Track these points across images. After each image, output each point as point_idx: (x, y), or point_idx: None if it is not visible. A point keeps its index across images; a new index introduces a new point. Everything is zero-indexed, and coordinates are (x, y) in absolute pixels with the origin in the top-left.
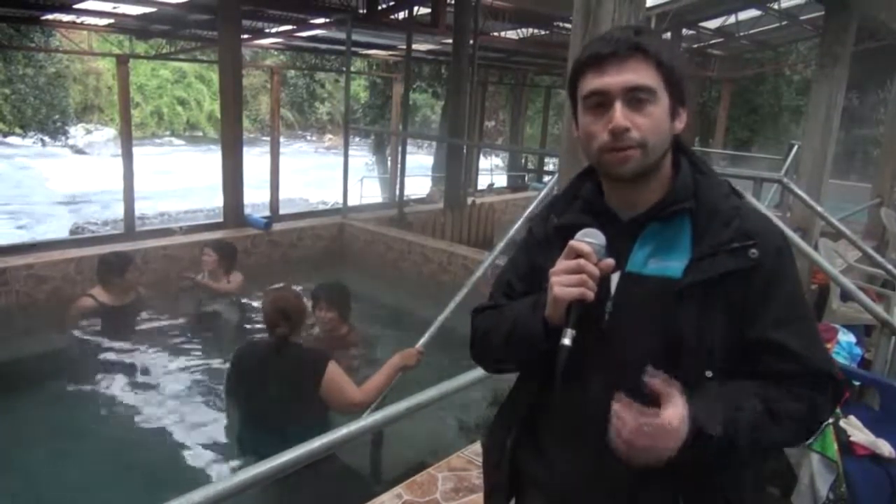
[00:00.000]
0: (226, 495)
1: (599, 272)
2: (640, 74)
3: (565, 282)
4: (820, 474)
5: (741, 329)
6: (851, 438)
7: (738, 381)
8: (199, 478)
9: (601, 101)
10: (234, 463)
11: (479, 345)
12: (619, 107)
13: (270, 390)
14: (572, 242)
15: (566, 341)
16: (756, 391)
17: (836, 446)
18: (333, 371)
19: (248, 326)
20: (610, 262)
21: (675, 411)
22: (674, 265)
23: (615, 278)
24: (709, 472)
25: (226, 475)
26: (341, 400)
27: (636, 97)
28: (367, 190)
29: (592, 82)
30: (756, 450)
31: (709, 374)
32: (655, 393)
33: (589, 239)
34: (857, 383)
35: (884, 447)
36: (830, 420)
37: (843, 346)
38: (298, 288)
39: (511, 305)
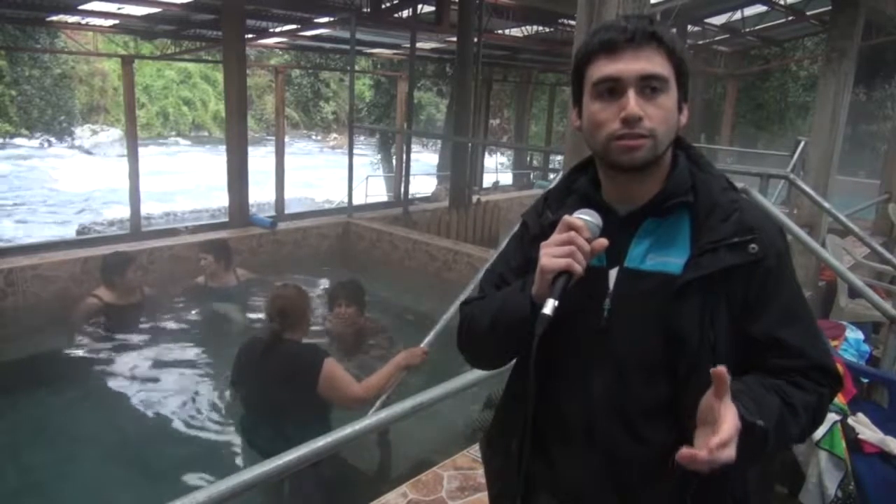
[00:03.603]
0: (230, 495)
1: (591, 249)
2: (654, 63)
3: (554, 252)
4: (828, 472)
5: (743, 325)
6: (860, 436)
7: (747, 376)
8: (204, 476)
9: (613, 88)
10: (240, 459)
11: (465, 331)
12: (632, 94)
13: (266, 385)
14: (566, 217)
15: (547, 311)
16: (769, 386)
17: (844, 444)
18: (330, 368)
19: (252, 324)
20: (603, 241)
21: (732, 423)
22: (673, 261)
23: (613, 274)
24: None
25: (230, 474)
26: (342, 396)
27: (649, 86)
28: (373, 189)
29: (605, 68)
30: (778, 445)
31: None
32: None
33: (585, 216)
34: (865, 381)
35: (893, 445)
36: (839, 417)
37: (851, 343)
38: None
39: (500, 291)
